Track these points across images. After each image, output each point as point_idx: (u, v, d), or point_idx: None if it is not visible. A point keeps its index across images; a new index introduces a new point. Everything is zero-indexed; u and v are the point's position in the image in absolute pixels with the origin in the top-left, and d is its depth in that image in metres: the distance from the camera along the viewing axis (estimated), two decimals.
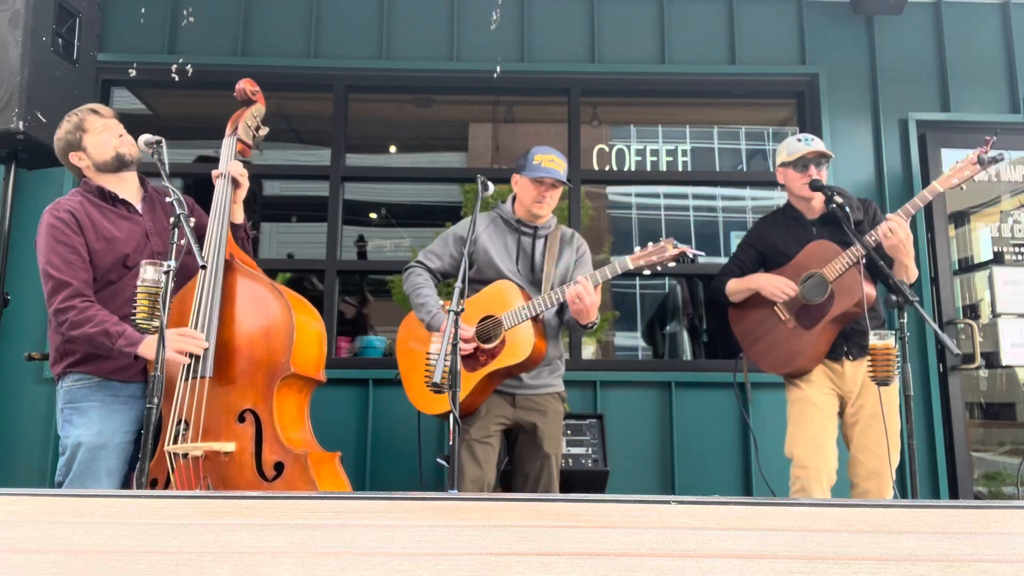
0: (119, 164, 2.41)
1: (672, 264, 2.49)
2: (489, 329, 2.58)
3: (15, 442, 3.51)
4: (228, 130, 2.60)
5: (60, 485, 2.29)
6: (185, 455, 2.19)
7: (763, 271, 2.88)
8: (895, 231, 2.52)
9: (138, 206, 2.46)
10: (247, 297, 2.35)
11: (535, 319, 2.55)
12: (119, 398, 2.32)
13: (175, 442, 2.21)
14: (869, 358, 2.40)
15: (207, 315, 2.29)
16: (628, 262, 2.52)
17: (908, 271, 2.59)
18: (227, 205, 2.45)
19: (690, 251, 2.49)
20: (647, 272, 2.51)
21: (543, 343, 2.59)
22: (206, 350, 2.26)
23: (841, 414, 2.74)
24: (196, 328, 2.28)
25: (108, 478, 2.25)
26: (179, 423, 2.23)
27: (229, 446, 2.21)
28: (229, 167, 2.50)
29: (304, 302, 2.39)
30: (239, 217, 2.52)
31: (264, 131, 2.66)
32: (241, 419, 2.25)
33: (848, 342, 2.72)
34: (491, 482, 2.57)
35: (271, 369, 2.27)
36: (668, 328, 4.49)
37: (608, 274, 2.51)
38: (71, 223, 2.29)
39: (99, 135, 2.38)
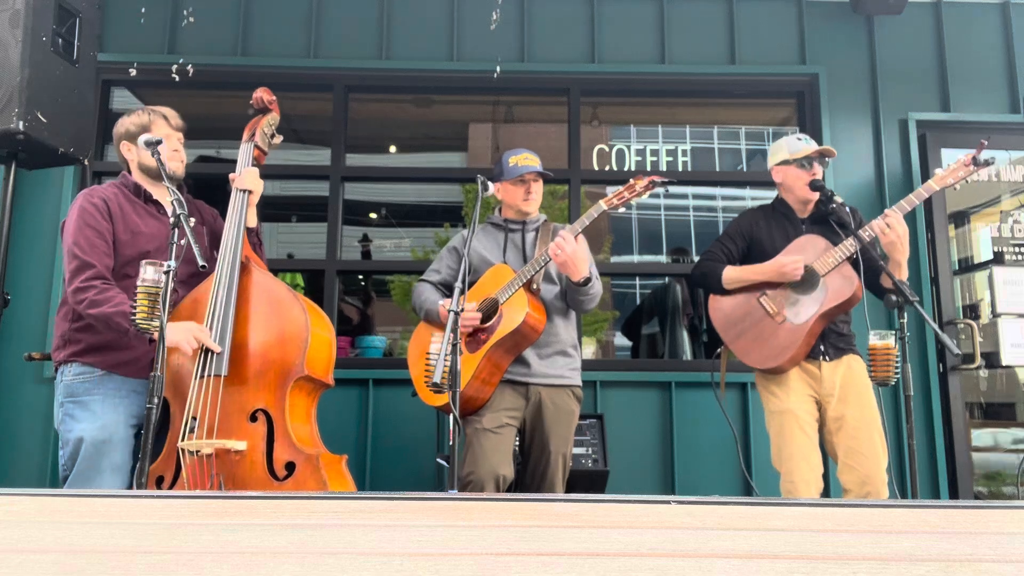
0: (154, 176, 2.47)
1: (646, 195, 2.58)
2: (487, 309, 2.65)
3: (15, 442, 3.51)
4: (245, 136, 2.67)
5: (65, 479, 2.29)
6: (195, 452, 2.19)
7: (739, 264, 2.84)
8: (893, 226, 2.51)
9: (169, 210, 2.49)
10: (263, 299, 2.38)
11: (528, 287, 2.62)
12: (121, 391, 2.33)
13: (185, 439, 2.23)
14: (869, 358, 2.40)
15: (223, 315, 2.32)
16: (602, 204, 2.59)
17: (901, 269, 2.57)
18: (243, 210, 2.51)
19: (658, 178, 2.55)
20: (622, 209, 2.62)
21: (539, 310, 2.62)
22: (222, 348, 2.29)
23: (821, 421, 2.68)
24: (211, 328, 2.31)
25: (113, 474, 2.25)
26: (190, 419, 2.24)
27: (240, 444, 2.22)
28: (244, 175, 2.56)
29: (316, 307, 2.43)
30: (252, 221, 2.57)
31: (279, 139, 2.73)
32: (253, 418, 2.27)
33: (825, 342, 2.68)
34: (508, 476, 2.56)
35: (285, 370, 2.30)
36: (646, 328, 4.48)
37: (586, 221, 2.59)
38: (103, 209, 2.36)
39: None
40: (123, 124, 2.51)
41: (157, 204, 2.49)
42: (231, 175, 2.59)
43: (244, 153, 2.64)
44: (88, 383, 2.32)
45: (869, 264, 2.60)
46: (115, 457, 2.27)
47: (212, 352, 2.29)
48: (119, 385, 2.34)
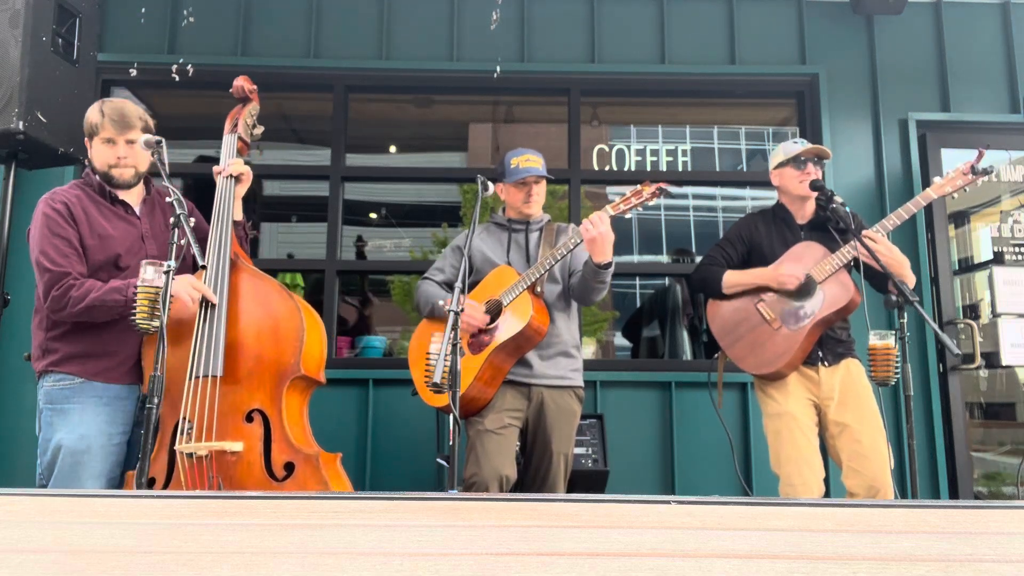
0: (106, 180, 2.36)
1: (653, 201, 2.56)
2: (491, 311, 2.64)
3: (15, 442, 3.51)
4: (227, 127, 2.60)
5: (42, 487, 2.25)
6: (191, 454, 2.17)
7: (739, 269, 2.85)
8: (877, 249, 2.50)
9: (137, 209, 2.43)
10: (254, 297, 2.34)
11: (532, 290, 2.61)
12: (102, 399, 2.27)
13: (180, 442, 2.20)
14: (869, 359, 2.40)
15: (215, 314, 2.28)
16: (609, 209, 2.56)
17: (908, 280, 2.56)
18: (230, 203, 2.45)
19: (667, 186, 2.55)
20: (629, 215, 2.60)
21: (543, 312, 2.62)
22: (215, 349, 2.25)
23: (822, 426, 2.67)
24: (203, 327, 2.27)
25: (93, 482, 2.21)
26: (183, 422, 2.21)
27: (236, 446, 2.19)
28: (232, 164, 2.50)
29: (308, 305, 2.39)
30: (238, 214, 2.50)
31: (260, 129, 2.66)
32: (249, 419, 2.24)
33: (823, 348, 2.67)
34: (511, 477, 2.55)
35: (280, 370, 2.26)
36: (646, 331, 4.48)
37: (611, 211, 2.56)
38: (65, 214, 2.26)
39: (101, 145, 2.34)
40: (85, 122, 2.36)
41: (124, 204, 2.39)
42: (215, 168, 2.51)
43: (228, 145, 2.56)
44: (68, 390, 2.26)
45: (870, 267, 2.59)
46: (94, 467, 2.22)
47: (205, 353, 2.24)
48: (100, 392, 2.27)
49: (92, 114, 2.36)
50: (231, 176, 2.48)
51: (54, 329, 2.29)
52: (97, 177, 2.38)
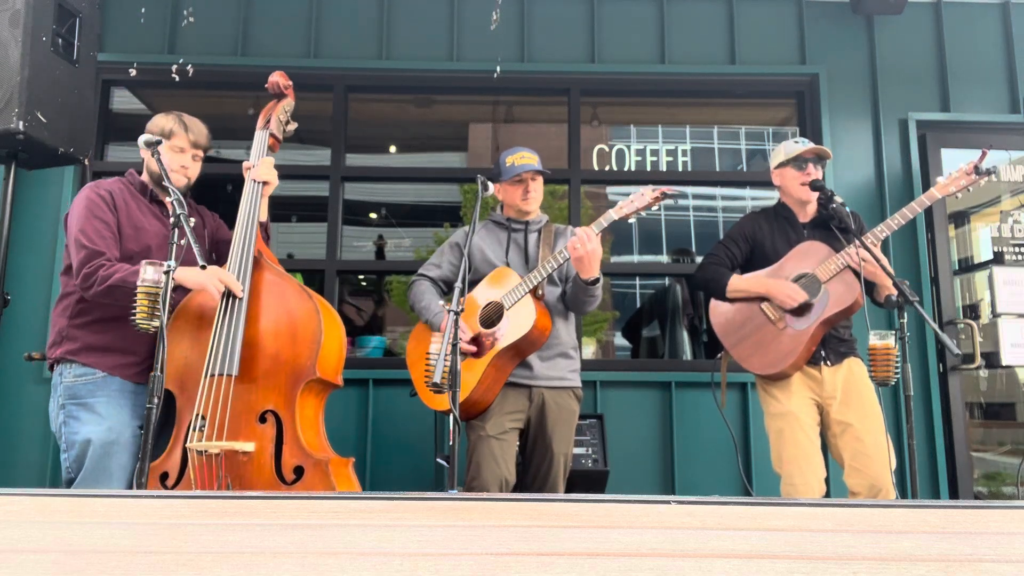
0: (157, 183, 2.47)
1: (655, 207, 2.59)
2: (491, 314, 2.62)
3: (15, 442, 3.51)
4: (260, 123, 2.63)
5: (71, 482, 2.28)
6: (202, 452, 2.17)
7: (740, 269, 2.83)
8: (868, 259, 2.51)
9: (169, 209, 2.49)
10: (275, 297, 2.34)
11: (534, 293, 2.60)
12: (125, 392, 2.32)
13: (192, 439, 2.20)
14: (869, 359, 2.40)
15: (235, 312, 2.29)
16: (612, 214, 2.58)
17: (890, 290, 2.56)
18: (257, 202, 2.49)
19: (670, 190, 2.56)
20: (632, 220, 2.63)
21: (546, 316, 2.61)
22: (232, 348, 2.26)
23: (824, 425, 2.67)
24: (222, 326, 2.28)
25: (121, 473, 2.25)
26: (198, 419, 2.22)
27: (249, 446, 2.19)
28: (260, 166, 2.54)
29: (328, 305, 2.39)
30: (263, 215, 2.54)
31: (293, 126, 2.69)
32: (262, 420, 2.23)
33: (826, 347, 2.67)
34: (511, 480, 2.55)
35: (296, 371, 2.26)
36: (646, 331, 4.47)
37: (600, 226, 2.59)
38: (108, 201, 2.36)
39: (168, 151, 2.43)
40: (153, 125, 2.47)
41: (161, 205, 2.48)
42: (245, 163, 2.56)
43: (259, 141, 2.60)
44: (91, 384, 2.29)
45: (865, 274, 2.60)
46: (123, 458, 2.26)
47: (222, 351, 2.25)
48: (122, 386, 2.32)
49: (167, 121, 2.46)
50: (259, 180, 2.53)
51: (79, 317, 2.33)
52: (143, 177, 2.48)
